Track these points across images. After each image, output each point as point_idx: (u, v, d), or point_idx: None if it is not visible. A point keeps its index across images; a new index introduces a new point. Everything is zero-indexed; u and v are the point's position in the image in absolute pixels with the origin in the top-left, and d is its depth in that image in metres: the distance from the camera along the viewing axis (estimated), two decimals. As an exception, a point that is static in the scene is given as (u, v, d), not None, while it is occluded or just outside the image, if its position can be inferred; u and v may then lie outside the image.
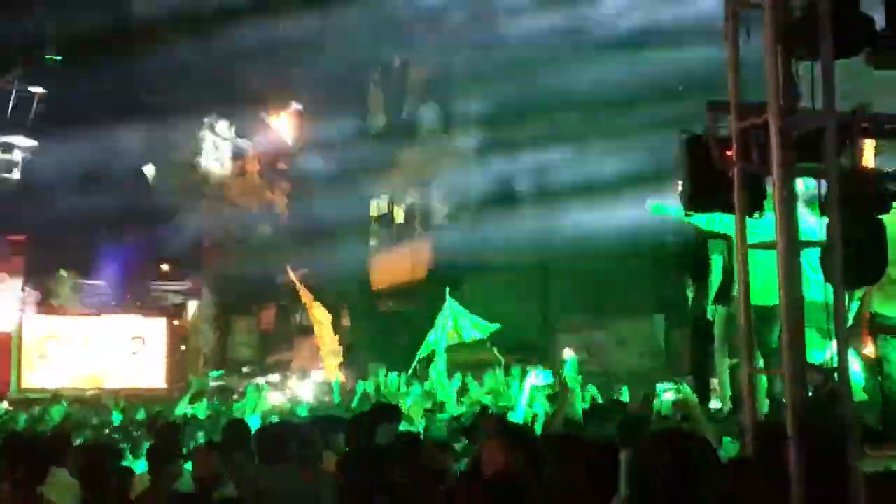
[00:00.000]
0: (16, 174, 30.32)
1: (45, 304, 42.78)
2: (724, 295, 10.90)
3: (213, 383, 40.00)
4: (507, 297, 29.78)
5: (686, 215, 10.19)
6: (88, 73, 27.08)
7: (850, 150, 7.56)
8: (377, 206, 35.21)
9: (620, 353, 27.25)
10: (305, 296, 24.33)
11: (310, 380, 36.06)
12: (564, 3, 25.45)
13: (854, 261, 7.29)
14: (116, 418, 18.27)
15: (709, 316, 11.11)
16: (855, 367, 9.59)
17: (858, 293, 9.26)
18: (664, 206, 11.13)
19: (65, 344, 39.86)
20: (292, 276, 22.04)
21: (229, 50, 25.78)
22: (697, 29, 17.56)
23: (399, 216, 36.56)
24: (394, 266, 33.98)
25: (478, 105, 30.50)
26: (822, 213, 7.50)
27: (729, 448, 8.97)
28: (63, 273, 36.89)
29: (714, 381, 11.78)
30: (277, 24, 25.86)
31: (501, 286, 29.32)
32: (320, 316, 29.16)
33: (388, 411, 9.27)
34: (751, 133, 7.35)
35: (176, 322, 51.52)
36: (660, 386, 12.80)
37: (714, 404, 11.76)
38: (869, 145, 9.15)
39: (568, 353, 15.97)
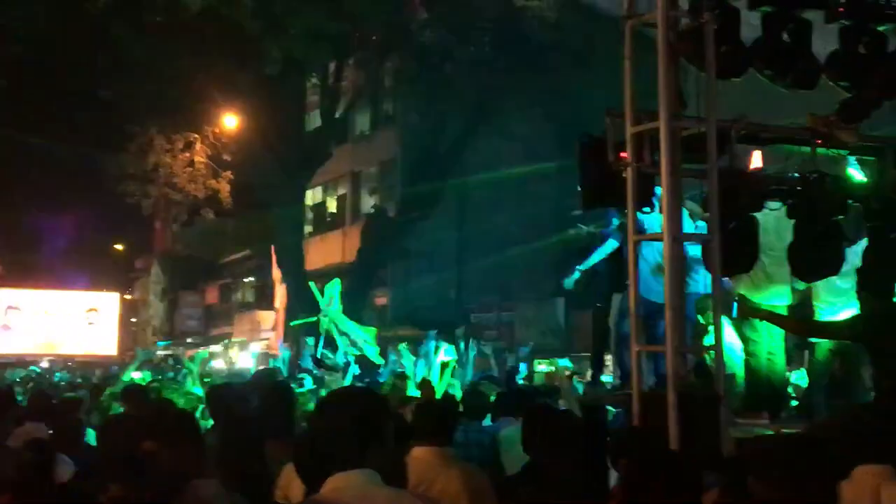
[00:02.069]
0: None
1: (7, 278, 42.05)
2: (617, 283, 10.94)
3: (160, 352, 39.69)
4: (426, 279, 29.87)
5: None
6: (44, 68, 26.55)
7: (728, 153, 7.67)
8: (312, 196, 35.12)
9: (526, 332, 27.34)
10: (277, 273, 23.84)
11: (248, 351, 35.91)
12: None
13: (730, 252, 7.40)
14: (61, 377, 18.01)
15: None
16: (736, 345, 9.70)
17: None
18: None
19: (25, 314, 39.29)
20: (273, 256, 21.69)
21: (176, 46, 25.40)
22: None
23: (332, 206, 36.50)
24: (326, 249, 33.96)
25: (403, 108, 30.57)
26: (704, 209, 7.60)
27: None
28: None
29: (608, 358, 11.86)
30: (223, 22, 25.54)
31: (421, 269, 29.39)
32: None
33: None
34: (644, 137, 7.40)
35: (128, 296, 50.99)
36: (560, 360, 12.99)
37: (607, 377, 11.85)
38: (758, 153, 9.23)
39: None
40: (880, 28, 7.99)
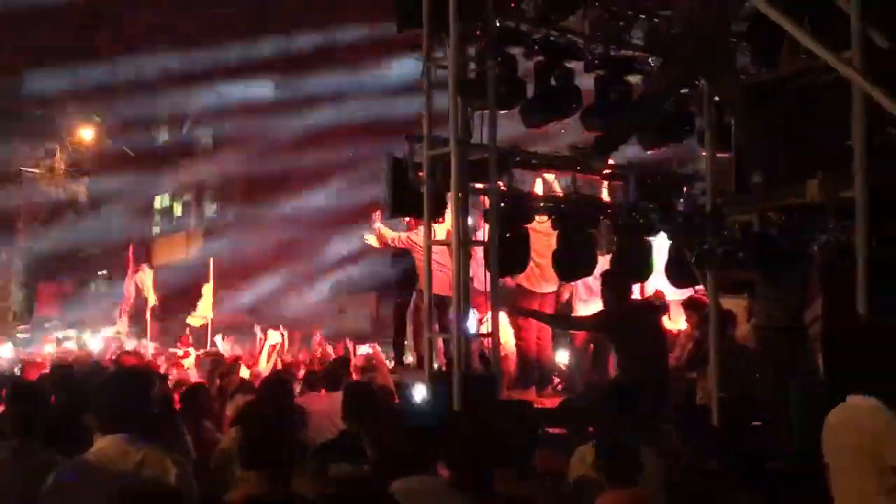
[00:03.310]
0: None
1: None
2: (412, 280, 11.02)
3: (19, 335, 37.64)
4: (258, 275, 29.47)
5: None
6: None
7: (507, 175, 7.87)
8: (160, 201, 34.25)
9: (345, 319, 27.31)
10: (133, 266, 23.01)
11: (100, 335, 34.47)
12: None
13: (506, 256, 7.60)
14: None
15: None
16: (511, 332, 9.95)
17: None
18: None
19: None
20: (131, 254, 20.96)
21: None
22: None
23: (177, 210, 35.61)
24: (172, 248, 33.10)
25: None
26: (486, 221, 7.78)
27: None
28: None
29: (408, 343, 11.93)
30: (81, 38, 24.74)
31: (255, 266, 28.97)
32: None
33: None
34: (438, 159, 7.51)
35: (-9, 285, 48.16)
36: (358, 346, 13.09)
37: (407, 359, 11.91)
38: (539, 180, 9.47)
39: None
40: (628, 78, 8.37)
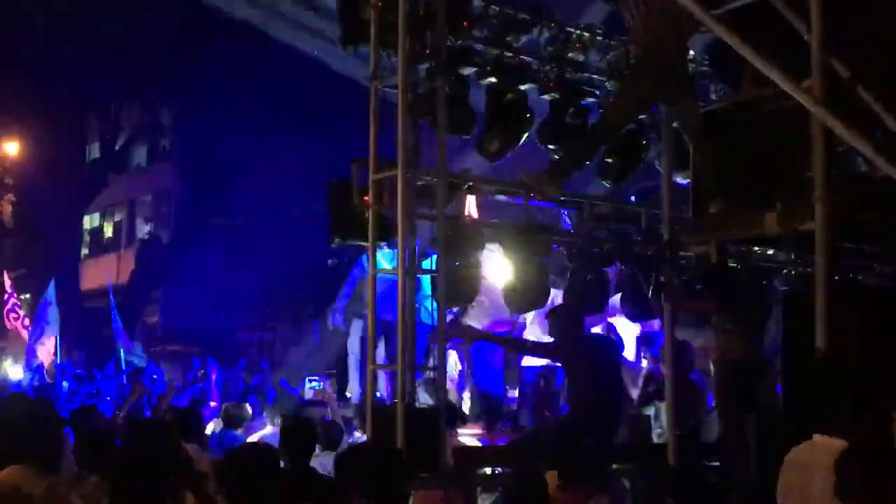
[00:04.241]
0: None
1: None
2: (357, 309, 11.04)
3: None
4: (195, 300, 29.18)
5: None
6: None
7: (456, 201, 7.91)
8: (90, 221, 33.84)
9: (287, 350, 27.13)
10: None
11: (21, 363, 33.84)
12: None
13: (455, 285, 7.62)
14: None
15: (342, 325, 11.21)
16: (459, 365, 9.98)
17: None
18: None
19: None
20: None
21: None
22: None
23: (108, 230, 35.21)
24: (101, 270, 32.66)
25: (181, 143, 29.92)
26: (434, 248, 7.80)
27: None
28: None
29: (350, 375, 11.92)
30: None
31: (191, 291, 28.69)
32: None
33: None
34: (384, 183, 7.51)
35: None
36: (309, 379, 13.05)
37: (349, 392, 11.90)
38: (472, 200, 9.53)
39: None
40: (584, 102, 8.48)
